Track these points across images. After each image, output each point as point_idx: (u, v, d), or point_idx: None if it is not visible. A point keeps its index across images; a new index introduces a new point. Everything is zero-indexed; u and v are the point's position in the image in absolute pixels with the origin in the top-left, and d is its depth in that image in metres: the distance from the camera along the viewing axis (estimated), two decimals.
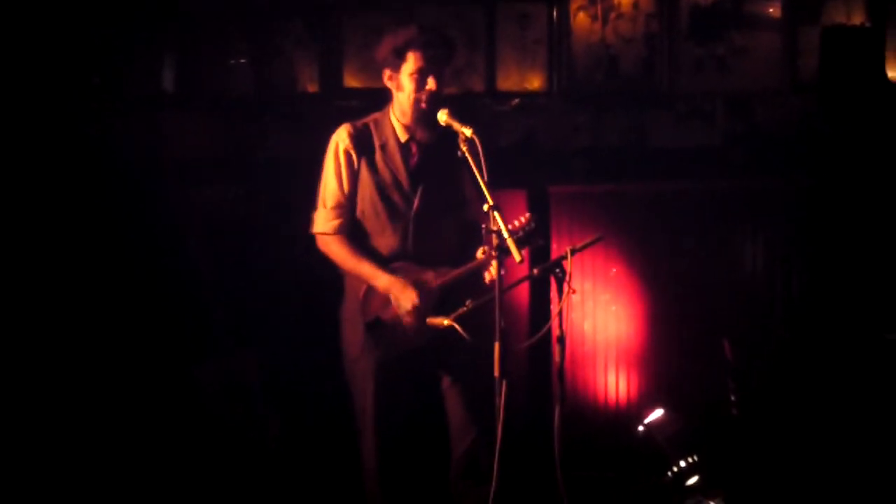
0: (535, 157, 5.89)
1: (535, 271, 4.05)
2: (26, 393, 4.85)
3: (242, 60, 5.82)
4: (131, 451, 4.94)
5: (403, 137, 4.20)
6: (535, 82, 5.97)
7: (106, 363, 5.05)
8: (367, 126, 4.23)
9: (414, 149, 4.21)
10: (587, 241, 4.07)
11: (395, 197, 4.18)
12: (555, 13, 5.94)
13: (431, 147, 4.19)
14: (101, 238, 5.16)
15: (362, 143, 4.19)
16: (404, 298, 4.08)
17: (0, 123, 5.01)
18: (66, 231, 5.08)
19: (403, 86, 4.11)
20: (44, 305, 4.96)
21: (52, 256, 5.04)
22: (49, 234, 5.04)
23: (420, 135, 4.18)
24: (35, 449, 4.79)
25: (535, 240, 4.09)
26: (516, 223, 4.03)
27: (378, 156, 4.19)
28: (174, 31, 5.71)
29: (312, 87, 5.84)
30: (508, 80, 5.97)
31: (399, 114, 4.20)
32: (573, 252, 3.92)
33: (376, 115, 4.27)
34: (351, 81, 5.83)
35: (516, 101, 5.95)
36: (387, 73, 4.16)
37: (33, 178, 5.04)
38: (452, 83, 5.86)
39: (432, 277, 4.12)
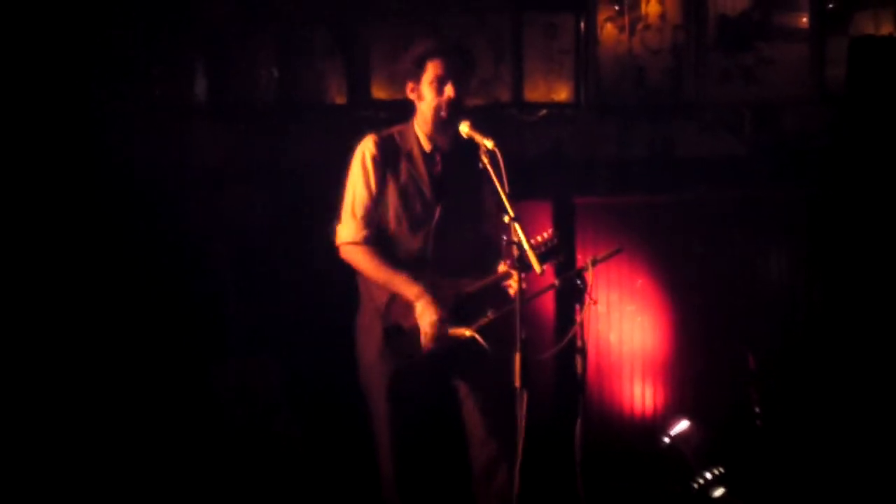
0: (561, 168, 5.88)
1: (557, 282, 4.07)
2: (47, 392, 4.92)
3: (272, 70, 5.85)
4: (149, 451, 4.98)
5: (427, 147, 4.23)
6: (561, 93, 5.98)
7: (127, 364, 5.11)
8: (391, 136, 4.27)
9: (438, 158, 4.23)
10: (608, 252, 4.08)
11: (418, 206, 4.20)
12: (582, 24, 5.95)
13: (454, 157, 4.22)
14: (126, 242, 5.22)
15: (388, 152, 4.22)
16: (429, 312, 4.08)
17: (28, 132, 5.08)
18: (91, 235, 5.14)
19: (424, 95, 4.16)
20: (67, 307, 5.02)
21: (77, 260, 5.10)
22: (74, 238, 5.10)
23: (441, 144, 4.21)
24: (51, 448, 4.85)
25: (557, 255, 4.09)
26: (539, 238, 4.03)
27: (403, 165, 4.22)
28: (203, 42, 5.75)
29: (340, 99, 5.87)
30: (535, 91, 5.98)
31: (422, 124, 4.23)
32: (594, 263, 3.93)
33: (400, 126, 4.31)
34: (378, 93, 5.85)
35: (543, 111, 5.95)
36: (409, 84, 4.20)
37: (60, 184, 5.10)
38: (479, 94, 5.89)
39: (453, 292, 4.12)
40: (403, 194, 4.20)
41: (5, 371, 4.87)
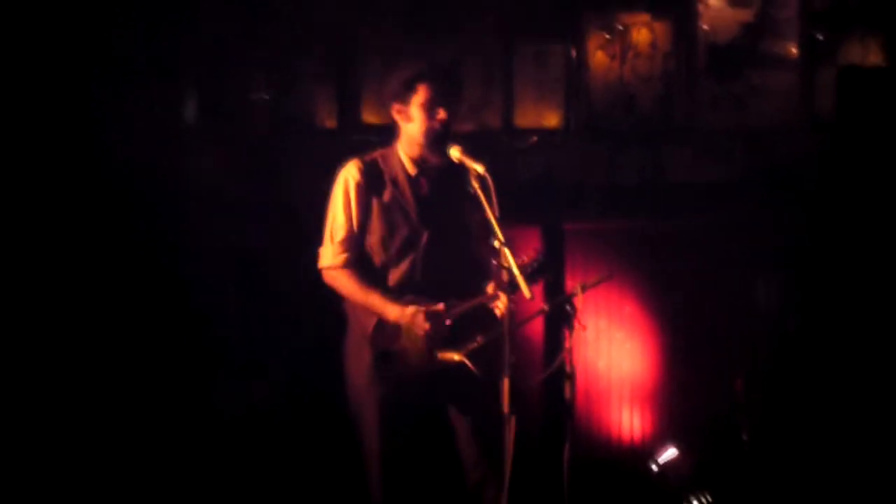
0: (551, 194, 5.89)
1: (546, 307, 4.08)
2: (49, 413, 4.94)
3: (264, 96, 5.87)
4: (151, 473, 5.00)
5: (412, 171, 4.23)
6: (552, 119, 6.00)
7: (124, 387, 5.12)
8: (375, 160, 4.26)
9: (422, 182, 4.23)
10: (598, 277, 4.09)
11: (404, 229, 4.20)
12: (573, 51, 5.98)
13: (440, 179, 4.22)
14: (118, 265, 5.23)
15: (372, 177, 4.22)
16: (416, 327, 4.09)
17: (28, 135, 5.10)
18: (85, 259, 5.16)
19: (413, 117, 4.15)
20: (63, 329, 5.04)
21: (72, 282, 5.12)
22: (75, 242, 5.12)
23: (430, 164, 4.20)
24: (53, 469, 4.87)
25: (543, 274, 4.09)
26: (525, 258, 4.03)
27: (387, 189, 4.21)
28: (195, 66, 5.77)
29: (331, 123, 5.88)
30: (526, 117, 6.00)
31: (407, 147, 4.23)
32: (584, 289, 3.94)
33: (383, 150, 4.30)
34: (369, 117, 5.86)
35: (534, 137, 5.97)
36: (395, 106, 4.19)
37: (60, 189, 5.13)
38: (470, 119, 5.91)
39: (442, 310, 4.13)
40: (389, 219, 4.20)
41: (6, 381, 4.91)
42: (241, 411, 5.26)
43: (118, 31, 5.54)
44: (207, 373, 5.32)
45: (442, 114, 4.12)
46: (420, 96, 4.13)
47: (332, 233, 4.24)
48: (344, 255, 4.21)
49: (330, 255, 4.23)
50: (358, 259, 4.22)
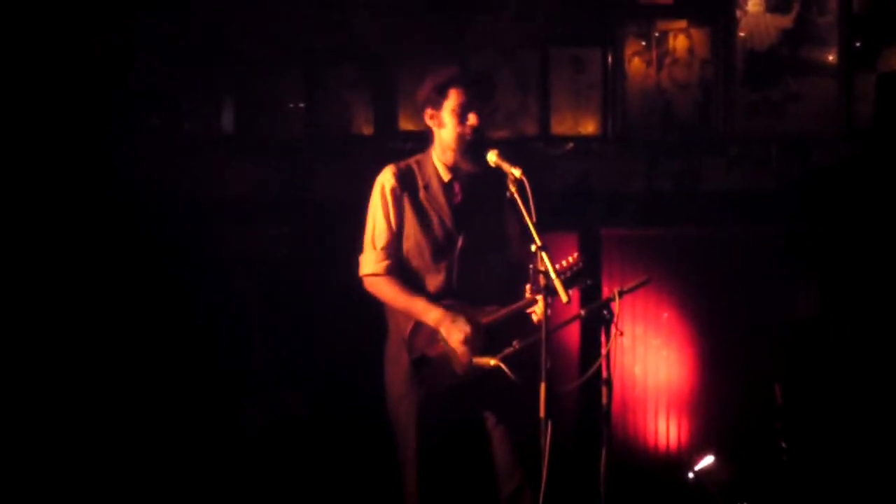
0: (588, 201, 5.88)
1: (583, 312, 4.06)
2: (73, 427, 4.98)
3: (300, 105, 5.88)
4: (181, 486, 5.02)
5: (446, 177, 4.26)
6: (589, 126, 5.98)
7: (151, 400, 5.15)
8: (410, 167, 4.30)
9: (457, 188, 4.26)
10: (636, 281, 4.07)
11: (440, 235, 4.22)
12: (609, 58, 5.96)
13: (474, 185, 4.24)
14: (150, 276, 5.26)
15: (407, 183, 4.25)
16: (456, 330, 4.09)
17: (56, 161, 5.15)
18: (117, 268, 5.19)
19: (445, 122, 4.18)
20: (88, 341, 5.08)
21: (100, 293, 5.16)
22: (97, 270, 5.16)
23: (464, 171, 4.22)
24: (85, 484, 4.90)
25: (582, 279, 4.09)
26: (564, 263, 4.04)
27: (422, 195, 4.25)
28: (231, 74, 5.79)
29: (367, 130, 5.89)
30: (562, 125, 5.98)
31: (440, 153, 4.26)
32: (621, 294, 3.92)
33: (418, 156, 4.34)
34: (405, 124, 5.87)
35: (570, 145, 5.96)
36: (428, 111, 4.23)
37: (85, 214, 5.17)
38: (506, 126, 5.91)
39: (479, 317, 4.13)
40: (424, 225, 4.22)
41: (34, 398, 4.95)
42: (267, 425, 5.28)
43: (156, 42, 5.59)
44: (237, 384, 5.34)
45: (473, 119, 4.14)
46: (452, 101, 4.16)
47: (373, 239, 4.27)
48: (386, 262, 4.23)
49: (372, 262, 4.25)
50: (398, 265, 4.25)
